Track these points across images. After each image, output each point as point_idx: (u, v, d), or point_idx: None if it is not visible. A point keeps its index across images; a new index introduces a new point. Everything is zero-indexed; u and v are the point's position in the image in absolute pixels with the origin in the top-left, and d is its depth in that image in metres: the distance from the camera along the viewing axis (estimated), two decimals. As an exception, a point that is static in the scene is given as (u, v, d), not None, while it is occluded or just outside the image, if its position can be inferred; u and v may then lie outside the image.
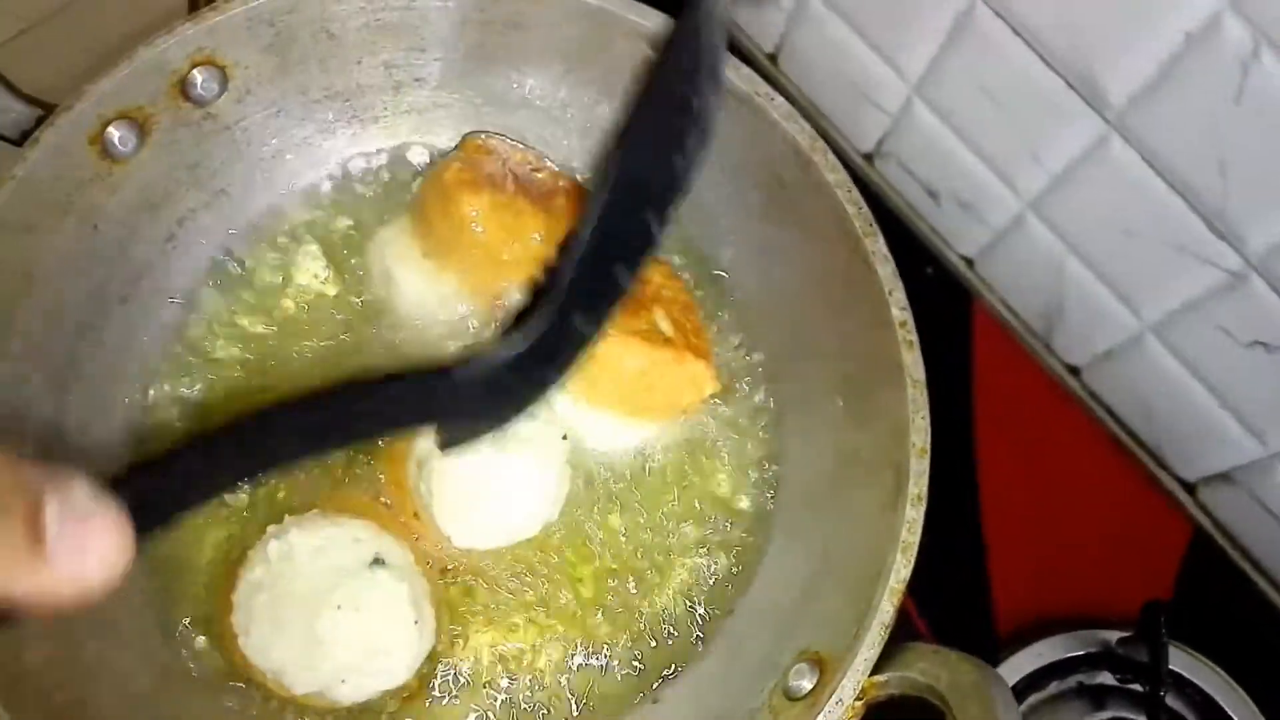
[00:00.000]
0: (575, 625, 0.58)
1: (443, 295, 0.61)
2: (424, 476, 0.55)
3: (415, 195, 0.63)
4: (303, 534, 0.54)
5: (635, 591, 0.59)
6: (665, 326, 0.59)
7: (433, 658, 0.56)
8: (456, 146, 0.64)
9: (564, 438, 0.59)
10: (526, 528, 0.58)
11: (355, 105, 0.61)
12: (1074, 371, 0.75)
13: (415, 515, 0.57)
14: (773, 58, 0.80)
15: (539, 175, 0.63)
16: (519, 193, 0.60)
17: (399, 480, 0.58)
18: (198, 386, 0.59)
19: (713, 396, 0.62)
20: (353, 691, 0.53)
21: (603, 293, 0.39)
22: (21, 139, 0.52)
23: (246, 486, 0.56)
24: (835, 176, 0.56)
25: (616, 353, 0.57)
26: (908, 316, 0.54)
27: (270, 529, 0.54)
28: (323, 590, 0.52)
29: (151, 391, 0.58)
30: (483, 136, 0.64)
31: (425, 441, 0.56)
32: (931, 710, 0.48)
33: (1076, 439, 0.73)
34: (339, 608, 0.52)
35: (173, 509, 0.34)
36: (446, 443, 0.43)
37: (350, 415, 0.37)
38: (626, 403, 0.60)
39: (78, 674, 0.50)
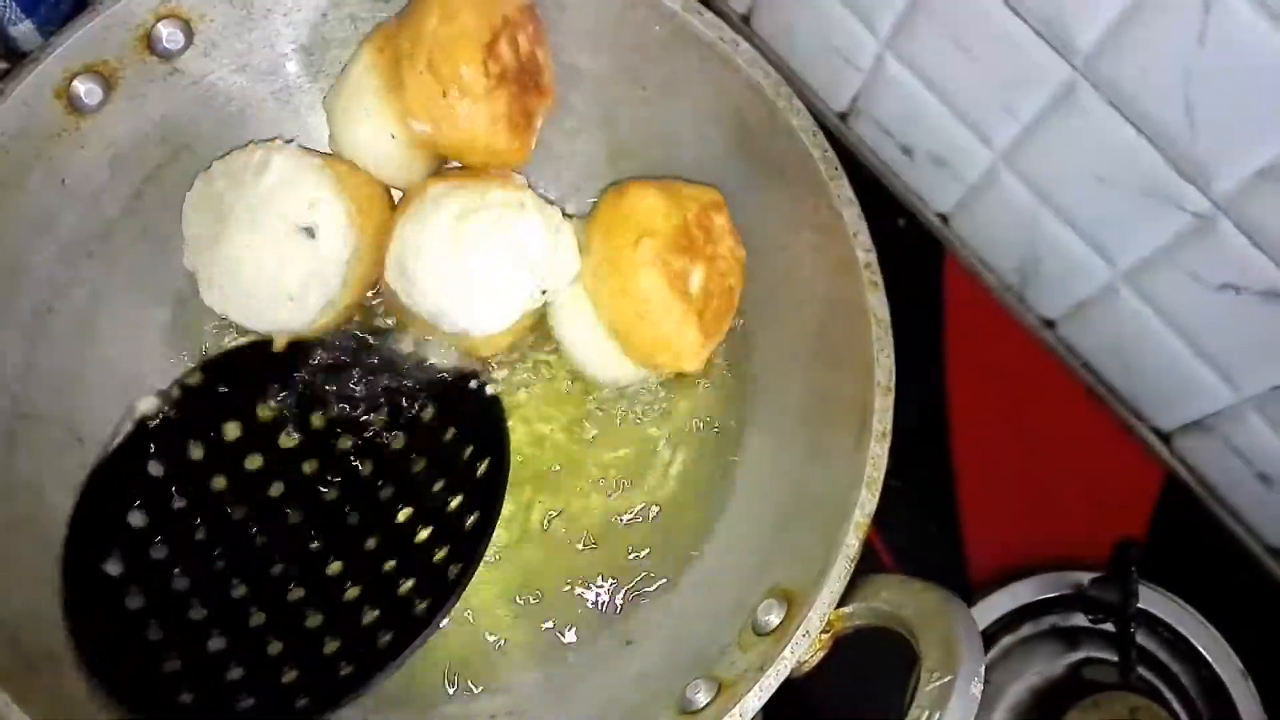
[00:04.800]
0: (541, 559, 0.59)
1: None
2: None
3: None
4: None
5: (604, 528, 0.60)
6: (695, 285, 0.57)
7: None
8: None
9: (543, 292, 0.57)
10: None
11: (321, 59, 0.61)
12: (1049, 324, 0.75)
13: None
14: (746, 19, 0.80)
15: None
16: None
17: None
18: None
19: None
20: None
21: None
22: (-14, 92, 0.52)
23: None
24: (800, 121, 0.56)
25: (637, 265, 0.55)
26: (872, 258, 0.54)
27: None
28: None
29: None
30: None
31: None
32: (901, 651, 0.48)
33: (1051, 389, 0.74)
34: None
35: None
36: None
37: None
38: (612, 315, 0.57)
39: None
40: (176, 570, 0.53)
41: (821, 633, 0.48)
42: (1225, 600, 0.65)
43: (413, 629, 0.51)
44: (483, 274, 0.55)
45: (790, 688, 0.48)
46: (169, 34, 0.56)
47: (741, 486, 0.59)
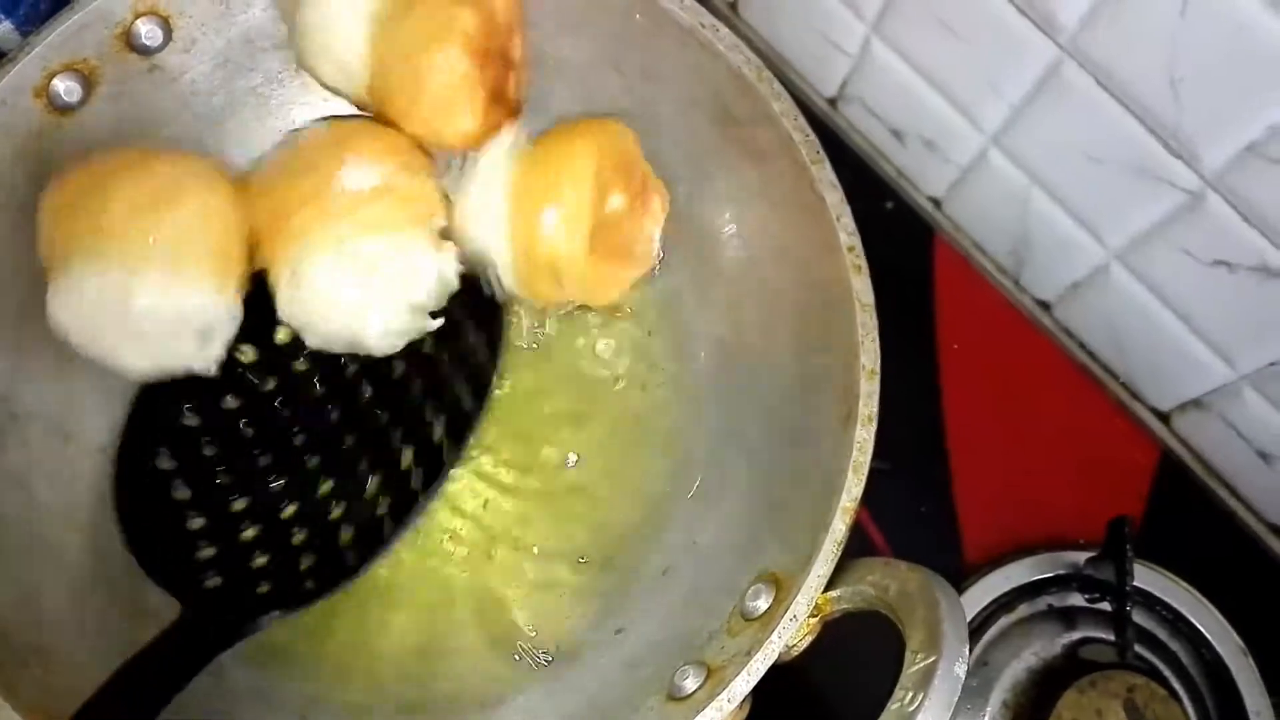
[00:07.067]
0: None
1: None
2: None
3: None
4: None
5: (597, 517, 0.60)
6: (617, 206, 0.53)
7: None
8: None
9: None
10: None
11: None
12: (1045, 307, 0.75)
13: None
14: (733, 6, 0.80)
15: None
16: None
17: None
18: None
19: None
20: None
21: None
22: (-35, 92, 0.52)
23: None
24: (781, 105, 0.55)
25: (578, 153, 0.52)
26: (856, 241, 0.53)
27: None
28: None
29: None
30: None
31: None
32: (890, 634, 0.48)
33: (1046, 371, 0.73)
34: None
35: None
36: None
37: None
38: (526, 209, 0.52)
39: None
40: (220, 467, 0.55)
41: (809, 617, 0.47)
42: (1225, 578, 0.65)
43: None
44: (363, 309, 0.51)
45: (779, 672, 0.47)
46: (148, 31, 0.56)
47: (729, 472, 0.59)
